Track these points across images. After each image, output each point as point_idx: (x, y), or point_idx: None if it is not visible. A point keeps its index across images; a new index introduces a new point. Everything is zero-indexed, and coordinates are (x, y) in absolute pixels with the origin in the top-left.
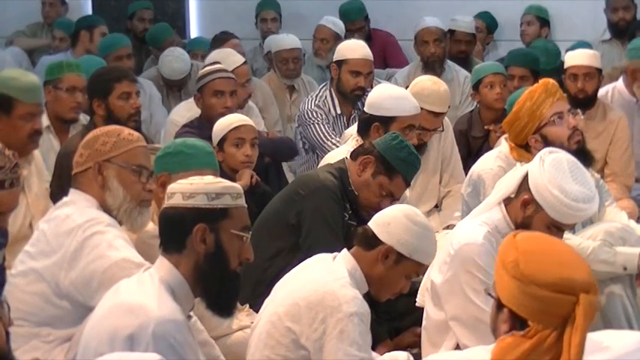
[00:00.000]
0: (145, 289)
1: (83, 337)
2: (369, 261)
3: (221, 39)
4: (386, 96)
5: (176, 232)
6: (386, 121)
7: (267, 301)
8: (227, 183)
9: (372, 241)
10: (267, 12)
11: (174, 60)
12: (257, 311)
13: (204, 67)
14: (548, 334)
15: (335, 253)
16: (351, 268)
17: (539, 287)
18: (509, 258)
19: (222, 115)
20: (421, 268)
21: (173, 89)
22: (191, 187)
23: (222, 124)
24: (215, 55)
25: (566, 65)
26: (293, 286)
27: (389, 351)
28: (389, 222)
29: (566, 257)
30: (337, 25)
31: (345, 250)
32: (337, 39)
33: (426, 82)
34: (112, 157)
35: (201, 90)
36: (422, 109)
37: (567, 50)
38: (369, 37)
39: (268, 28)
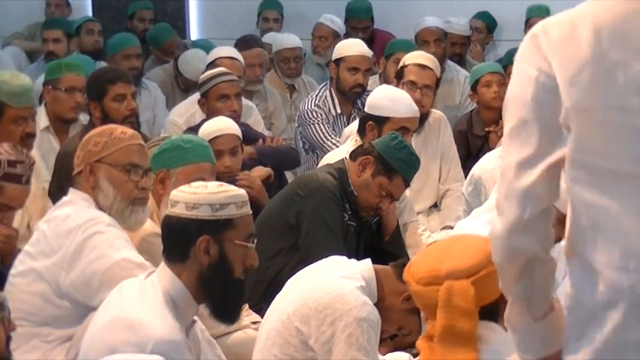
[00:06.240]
0: (146, 303)
1: (82, 345)
2: (393, 289)
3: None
4: (382, 96)
5: (179, 242)
6: (380, 121)
7: (278, 297)
8: (231, 192)
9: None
10: (270, 12)
11: (200, 61)
12: (256, 311)
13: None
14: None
15: (353, 260)
16: (368, 277)
17: (416, 284)
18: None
19: (230, 118)
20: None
21: (189, 90)
22: (195, 197)
23: (202, 135)
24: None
25: None
26: (306, 285)
27: (390, 351)
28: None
29: (454, 249)
30: (335, 22)
31: (369, 260)
32: (336, 37)
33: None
34: (103, 158)
35: (205, 95)
36: (412, 65)
37: None
38: (372, 38)
39: (269, 28)
